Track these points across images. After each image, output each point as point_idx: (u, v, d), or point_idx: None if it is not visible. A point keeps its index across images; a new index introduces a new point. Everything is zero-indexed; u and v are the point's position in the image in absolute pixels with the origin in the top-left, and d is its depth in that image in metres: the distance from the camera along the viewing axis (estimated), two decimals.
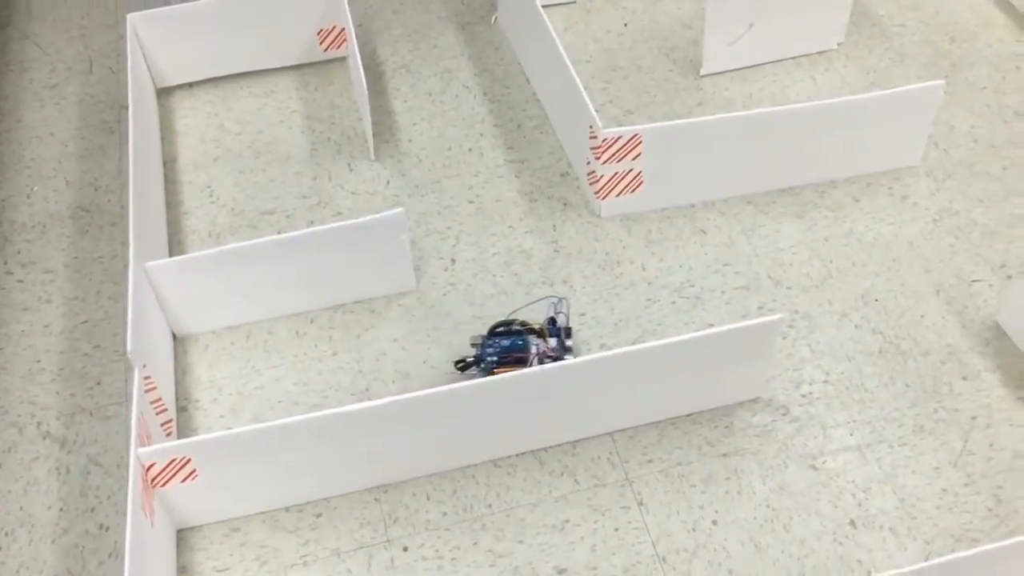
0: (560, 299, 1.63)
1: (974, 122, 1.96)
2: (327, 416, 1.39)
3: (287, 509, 1.49)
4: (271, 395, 1.62)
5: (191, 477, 1.38)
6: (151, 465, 1.36)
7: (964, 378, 1.59)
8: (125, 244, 1.59)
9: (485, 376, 1.52)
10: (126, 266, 1.62)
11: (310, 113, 2.05)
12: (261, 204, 1.89)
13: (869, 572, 1.40)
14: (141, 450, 1.34)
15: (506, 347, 1.58)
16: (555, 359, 1.56)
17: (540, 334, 1.60)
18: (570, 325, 1.63)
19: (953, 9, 2.18)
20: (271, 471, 1.43)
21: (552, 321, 1.62)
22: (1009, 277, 1.70)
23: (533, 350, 1.57)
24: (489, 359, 1.57)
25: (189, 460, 1.37)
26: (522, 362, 1.55)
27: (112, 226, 1.86)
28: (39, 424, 1.60)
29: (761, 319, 1.46)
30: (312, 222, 1.85)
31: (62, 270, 1.81)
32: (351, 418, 1.40)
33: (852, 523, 1.45)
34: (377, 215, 1.63)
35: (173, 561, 1.42)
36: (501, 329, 1.61)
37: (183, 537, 1.46)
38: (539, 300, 1.65)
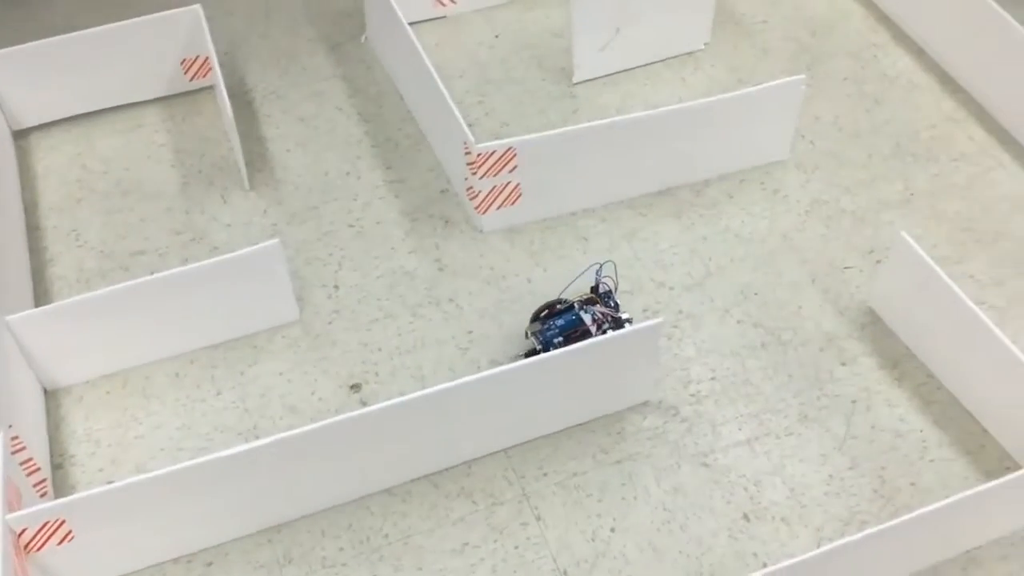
0: (602, 264, 1.64)
1: (838, 112, 2.02)
2: (210, 461, 1.35)
3: (175, 560, 1.43)
4: (153, 443, 1.56)
5: (67, 539, 1.32)
6: (23, 530, 1.30)
7: (843, 364, 1.63)
8: None
9: None
10: None
11: (179, 146, 1.99)
12: (132, 244, 1.83)
13: (764, 564, 1.42)
14: (10, 516, 1.28)
15: (564, 326, 1.59)
16: (615, 320, 1.58)
17: (591, 301, 1.61)
18: (613, 288, 1.65)
19: (812, 4, 2.25)
20: (154, 523, 1.38)
21: (595, 288, 1.63)
22: (879, 262, 1.76)
23: (588, 319, 1.58)
24: (556, 341, 1.57)
25: (63, 521, 1.31)
26: (587, 334, 1.56)
27: None
28: None
29: (642, 324, 1.48)
30: (187, 259, 1.79)
31: None
32: (236, 460, 1.36)
33: (745, 517, 1.47)
34: (252, 247, 1.60)
35: None
36: (544, 313, 1.62)
37: None
38: (583, 272, 1.65)
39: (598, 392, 1.55)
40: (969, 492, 1.32)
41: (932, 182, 1.89)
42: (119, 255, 1.81)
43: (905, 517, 1.31)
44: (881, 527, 1.30)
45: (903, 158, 1.93)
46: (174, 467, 1.33)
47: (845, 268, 1.76)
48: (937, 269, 1.55)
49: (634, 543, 1.45)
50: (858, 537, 1.30)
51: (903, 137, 1.97)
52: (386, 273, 1.79)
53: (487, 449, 1.55)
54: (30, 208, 1.88)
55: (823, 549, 1.30)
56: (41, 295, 1.74)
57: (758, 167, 1.93)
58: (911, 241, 1.58)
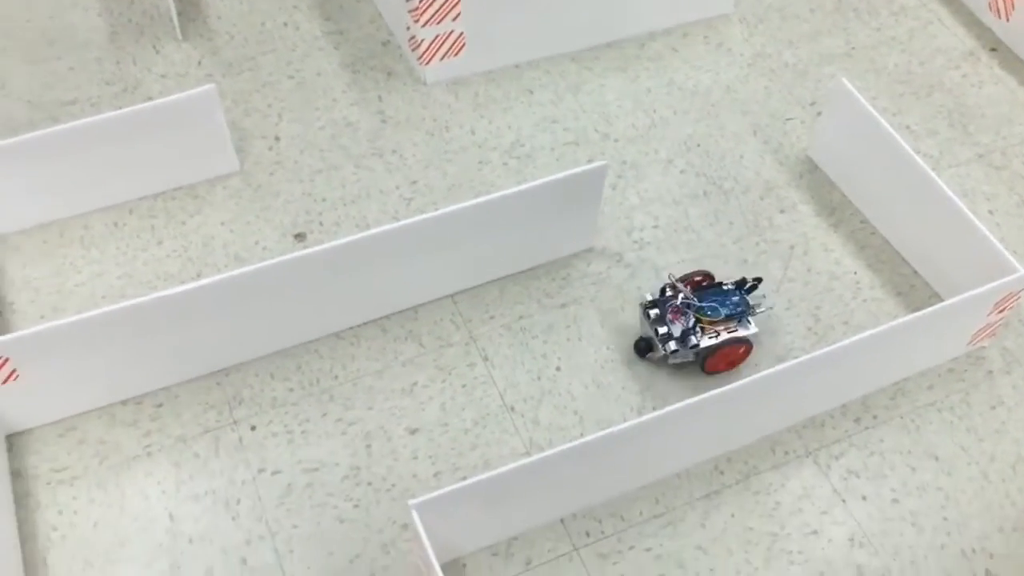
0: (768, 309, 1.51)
1: None
2: (158, 299, 1.33)
3: (124, 403, 1.43)
4: (94, 291, 1.54)
5: (11, 378, 1.31)
6: None
7: (782, 211, 1.67)
8: None
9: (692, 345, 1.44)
10: None
11: None
12: (61, 94, 1.76)
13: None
14: None
15: (730, 304, 1.46)
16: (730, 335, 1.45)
17: (743, 294, 1.47)
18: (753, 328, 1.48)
19: None
20: (101, 364, 1.37)
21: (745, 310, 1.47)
22: (819, 113, 1.78)
23: (728, 313, 1.45)
24: (706, 308, 1.46)
25: (7, 360, 1.29)
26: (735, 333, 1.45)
27: None
28: None
29: (584, 167, 1.48)
30: (120, 109, 1.73)
31: None
32: (184, 298, 1.35)
33: None
34: (187, 92, 1.55)
35: (4, 467, 1.35)
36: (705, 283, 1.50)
37: (13, 442, 1.39)
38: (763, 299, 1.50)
39: (543, 237, 1.57)
40: (895, 322, 1.37)
41: (873, 36, 1.90)
42: (48, 105, 1.74)
43: (836, 345, 1.36)
44: (812, 355, 1.34)
45: (845, 12, 1.94)
46: (120, 304, 1.32)
47: (786, 120, 1.78)
48: (877, 116, 1.58)
49: (579, 381, 1.49)
50: (790, 364, 1.34)
51: None
52: (328, 124, 1.76)
53: (434, 294, 1.56)
54: None
55: (756, 376, 1.34)
56: None
57: (702, 20, 1.92)
58: (851, 87, 1.60)
